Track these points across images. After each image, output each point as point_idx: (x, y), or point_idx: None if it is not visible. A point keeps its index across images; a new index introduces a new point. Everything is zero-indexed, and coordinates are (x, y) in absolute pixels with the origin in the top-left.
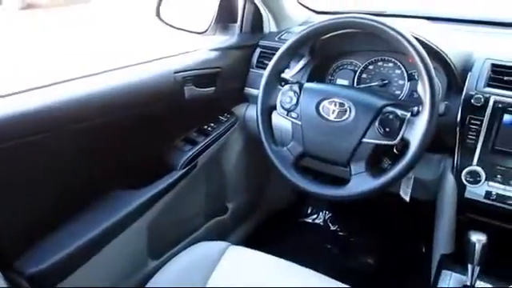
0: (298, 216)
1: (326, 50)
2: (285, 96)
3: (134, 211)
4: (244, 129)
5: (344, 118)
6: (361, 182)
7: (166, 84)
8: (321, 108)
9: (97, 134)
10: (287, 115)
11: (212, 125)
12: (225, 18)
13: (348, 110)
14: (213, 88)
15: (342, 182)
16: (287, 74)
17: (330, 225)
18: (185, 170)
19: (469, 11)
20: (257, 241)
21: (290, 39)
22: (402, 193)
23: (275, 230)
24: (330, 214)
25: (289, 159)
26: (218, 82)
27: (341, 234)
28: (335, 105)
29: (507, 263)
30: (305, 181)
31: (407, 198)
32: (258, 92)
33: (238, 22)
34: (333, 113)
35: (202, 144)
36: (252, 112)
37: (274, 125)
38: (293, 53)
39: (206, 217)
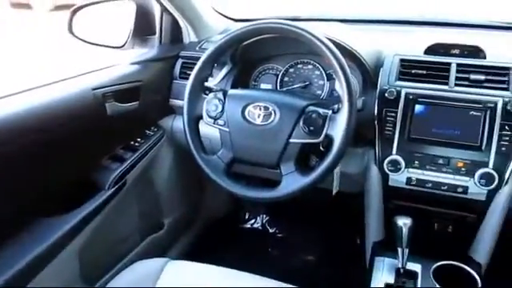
0: (236, 223)
1: (248, 57)
2: (210, 104)
3: (63, 237)
4: (172, 141)
5: (270, 120)
6: (292, 182)
7: (85, 102)
8: (246, 113)
9: (16, 160)
10: (214, 123)
11: (139, 140)
12: (142, 30)
13: (273, 112)
14: (136, 102)
15: (275, 183)
16: (211, 83)
17: (269, 228)
18: (114, 189)
19: (376, 11)
20: (198, 253)
21: (210, 48)
22: (334, 187)
23: (215, 240)
24: (267, 218)
25: (220, 167)
26: (140, 95)
27: (279, 235)
28: (260, 109)
29: (433, 243)
30: (238, 186)
31: (335, 191)
32: (183, 103)
33: (157, 34)
34: (258, 117)
35: (130, 160)
36: (179, 123)
37: (202, 134)
38: (214, 61)
39: (141, 235)
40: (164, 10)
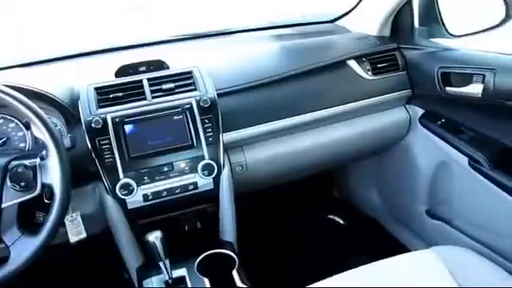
0: None
1: None
2: None
3: None
4: None
5: None
6: (23, 249)
7: None
8: None
9: None
10: None
11: None
12: None
13: None
14: None
15: (5, 260)
16: None
17: None
18: None
19: (56, 49)
20: None
21: None
22: (71, 236)
23: None
24: None
25: None
26: None
27: None
28: None
29: (189, 243)
30: None
31: (83, 236)
32: None
33: None
34: None
35: None
36: None
37: None
38: None
39: None
40: None
